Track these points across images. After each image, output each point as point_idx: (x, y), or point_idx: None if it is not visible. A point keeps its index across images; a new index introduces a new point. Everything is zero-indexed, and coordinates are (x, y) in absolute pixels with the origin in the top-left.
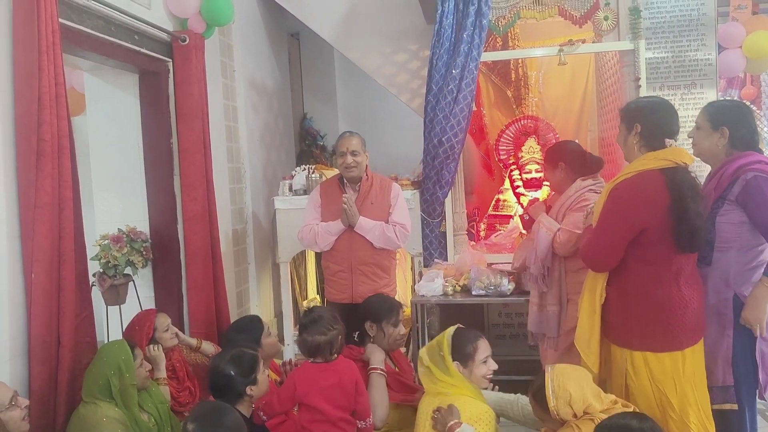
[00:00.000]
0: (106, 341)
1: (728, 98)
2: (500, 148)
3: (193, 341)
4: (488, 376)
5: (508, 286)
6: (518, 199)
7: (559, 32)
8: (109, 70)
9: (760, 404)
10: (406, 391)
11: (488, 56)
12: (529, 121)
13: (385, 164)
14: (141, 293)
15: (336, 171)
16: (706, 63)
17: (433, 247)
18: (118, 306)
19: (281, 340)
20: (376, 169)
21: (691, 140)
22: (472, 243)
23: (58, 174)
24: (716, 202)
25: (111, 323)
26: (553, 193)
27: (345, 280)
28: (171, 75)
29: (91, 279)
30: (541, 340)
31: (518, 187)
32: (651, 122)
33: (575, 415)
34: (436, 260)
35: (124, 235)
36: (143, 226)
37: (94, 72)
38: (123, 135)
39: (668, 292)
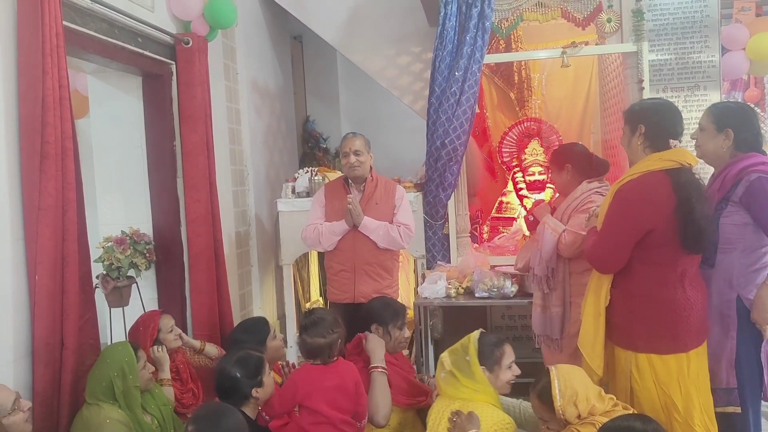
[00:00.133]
0: (109, 343)
1: (733, 100)
2: (503, 150)
3: (197, 343)
4: (511, 382)
5: (511, 288)
6: (521, 201)
7: (562, 34)
8: (113, 73)
9: (764, 406)
10: (414, 394)
11: (491, 58)
12: (532, 123)
13: (387, 167)
14: (144, 295)
15: (338, 173)
16: (709, 65)
17: (436, 249)
18: (121, 308)
19: (284, 342)
20: (378, 171)
21: (694, 142)
22: (475, 245)
23: (61, 176)
24: (720, 203)
25: (114, 325)
26: (557, 195)
27: (347, 279)
28: (174, 77)
29: (95, 281)
30: (545, 341)
31: (521, 189)
32: (655, 123)
33: (579, 416)
34: (438, 262)
35: (128, 237)
36: (146, 228)
37: (97, 75)
38: (126, 137)
39: (673, 294)
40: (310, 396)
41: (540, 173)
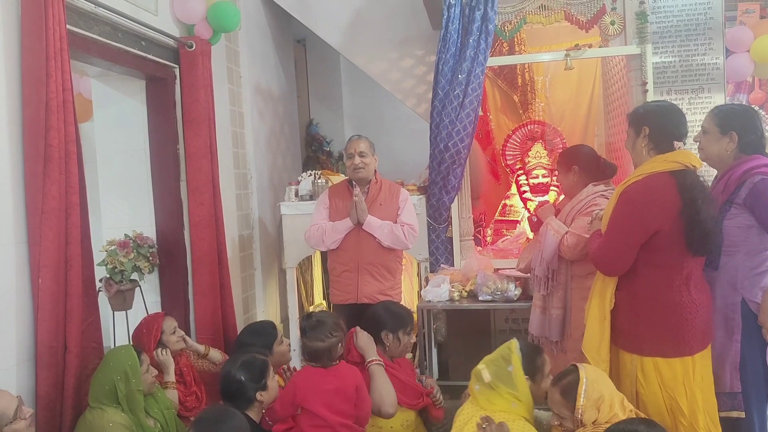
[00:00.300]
0: (112, 347)
1: (735, 103)
2: (507, 153)
3: (201, 348)
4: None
5: (514, 291)
6: (525, 204)
7: (565, 37)
8: (116, 76)
9: None
10: (412, 396)
11: (494, 61)
12: (535, 126)
13: (391, 170)
14: (147, 299)
15: (342, 177)
16: (713, 67)
17: (440, 252)
18: (124, 311)
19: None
20: (382, 174)
21: (697, 144)
22: (479, 248)
23: (65, 179)
24: (723, 205)
25: (117, 329)
26: (561, 197)
27: (351, 279)
28: (178, 81)
29: (98, 284)
30: (544, 343)
31: (525, 192)
32: (659, 124)
33: (595, 422)
34: (442, 266)
35: (131, 241)
36: (150, 231)
37: (101, 78)
38: (130, 141)
39: (679, 296)
40: (309, 398)
41: (543, 176)
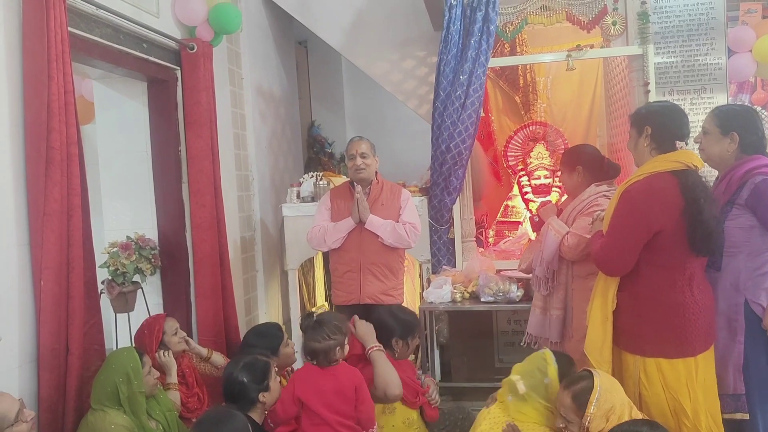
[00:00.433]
0: (114, 349)
1: (736, 103)
2: (509, 154)
3: (204, 351)
4: None
5: (516, 292)
6: (527, 205)
7: (567, 37)
8: (118, 79)
9: None
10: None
11: (496, 62)
12: (537, 126)
13: (392, 171)
14: (149, 301)
15: (343, 178)
16: (715, 67)
17: (441, 253)
18: (126, 313)
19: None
20: (383, 175)
21: (698, 145)
22: (481, 249)
23: (67, 181)
24: (725, 206)
25: (119, 331)
26: (563, 198)
27: (353, 280)
28: (179, 83)
29: (100, 286)
30: (542, 344)
31: (527, 193)
32: (662, 124)
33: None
34: (444, 267)
35: (133, 243)
36: (152, 233)
37: (103, 80)
38: (131, 143)
39: (682, 297)
40: (308, 394)
41: (545, 177)
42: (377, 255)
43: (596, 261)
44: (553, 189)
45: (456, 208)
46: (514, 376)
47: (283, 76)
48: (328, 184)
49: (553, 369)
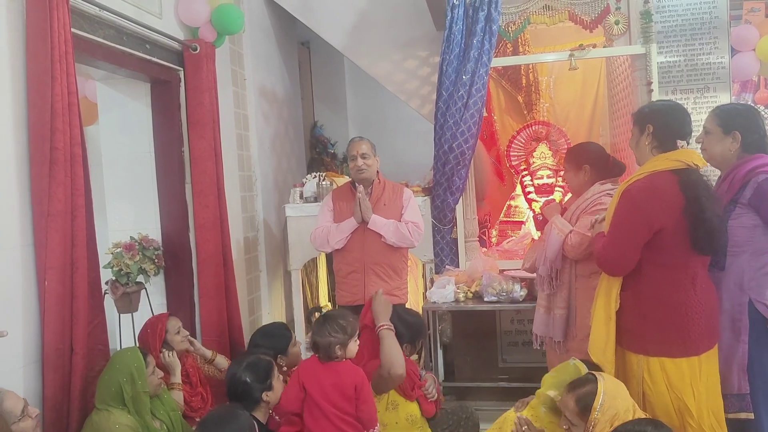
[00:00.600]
0: (118, 349)
1: (737, 102)
2: (511, 154)
3: (208, 353)
4: None
5: (520, 292)
6: (530, 205)
7: (569, 37)
8: (121, 79)
9: None
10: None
11: (498, 62)
12: (540, 126)
13: (395, 171)
14: (153, 301)
15: (346, 178)
16: (719, 66)
17: (445, 253)
18: (130, 314)
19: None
20: (386, 175)
21: (699, 145)
22: (484, 249)
23: (70, 182)
24: (728, 205)
25: (123, 331)
26: (567, 197)
27: (357, 280)
28: (182, 84)
29: (104, 287)
30: (548, 343)
31: (530, 193)
32: (663, 123)
33: None
34: (447, 267)
35: (137, 243)
36: (155, 234)
37: (106, 81)
38: (135, 143)
39: (685, 296)
40: (310, 382)
41: (548, 176)
42: (380, 255)
43: (598, 261)
44: (556, 188)
45: (459, 207)
46: (549, 391)
47: (285, 77)
48: (331, 184)
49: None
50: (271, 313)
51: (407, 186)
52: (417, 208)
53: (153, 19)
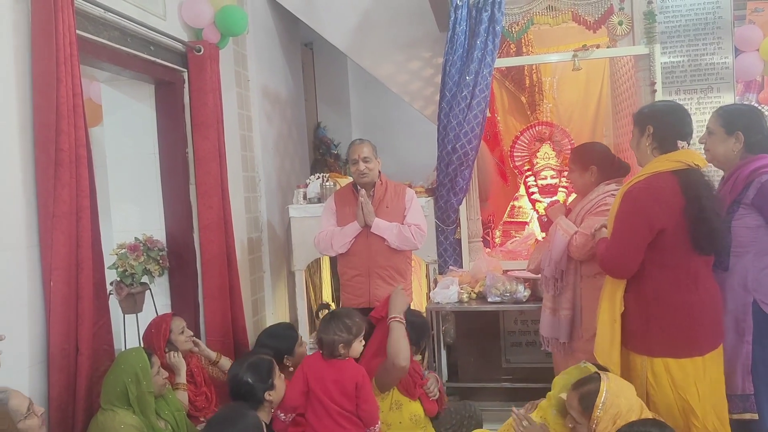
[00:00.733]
0: (123, 350)
1: (741, 102)
2: (515, 154)
3: (213, 354)
4: None
5: (523, 293)
6: (533, 205)
7: (573, 37)
8: (126, 81)
9: None
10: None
11: (502, 62)
12: (543, 127)
13: (398, 172)
14: (158, 302)
15: (349, 179)
16: (722, 66)
17: (448, 254)
18: (135, 314)
19: None
20: (389, 176)
21: (702, 146)
22: (487, 250)
23: (75, 183)
24: (731, 206)
25: (128, 332)
26: (571, 198)
27: (362, 284)
28: (186, 85)
29: (109, 288)
30: (554, 344)
31: (533, 193)
32: (664, 123)
33: None
34: (450, 267)
35: (141, 244)
36: (160, 234)
37: (110, 83)
38: (139, 145)
39: (688, 296)
40: (312, 376)
41: (552, 177)
42: (384, 258)
43: (602, 263)
44: (560, 189)
45: (462, 208)
46: (563, 395)
47: (289, 78)
48: (335, 185)
49: None
50: (275, 313)
51: (411, 186)
52: (420, 209)
53: (157, 20)
